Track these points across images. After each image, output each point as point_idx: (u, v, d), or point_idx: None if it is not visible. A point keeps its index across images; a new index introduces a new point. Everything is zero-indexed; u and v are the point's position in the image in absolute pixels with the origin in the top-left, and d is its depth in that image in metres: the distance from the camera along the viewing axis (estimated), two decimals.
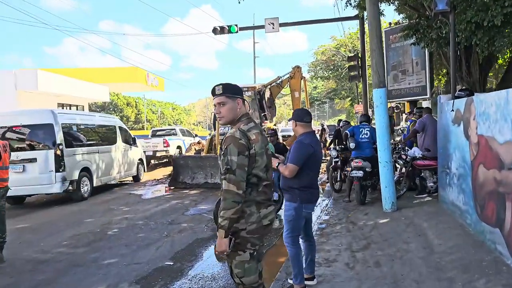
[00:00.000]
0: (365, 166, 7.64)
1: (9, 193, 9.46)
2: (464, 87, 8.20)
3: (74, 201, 9.90)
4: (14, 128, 8.90)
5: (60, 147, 9.43)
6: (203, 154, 13.59)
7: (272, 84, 15.79)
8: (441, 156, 6.85)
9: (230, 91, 2.68)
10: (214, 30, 16.50)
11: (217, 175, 11.89)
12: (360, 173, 7.54)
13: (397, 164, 8.29)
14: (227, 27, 16.41)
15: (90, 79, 21.94)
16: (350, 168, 7.88)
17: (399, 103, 17.38)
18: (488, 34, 7.28)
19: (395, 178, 7.47)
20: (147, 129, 57.33)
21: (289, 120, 4.19)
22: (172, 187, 11.70)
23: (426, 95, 11.40)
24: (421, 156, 7.57)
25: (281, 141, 11.44)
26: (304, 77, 16.56)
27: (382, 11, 12.94)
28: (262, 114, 14.34)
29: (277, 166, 3.84)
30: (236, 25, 16.43)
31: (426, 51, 10.67)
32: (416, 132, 8.17)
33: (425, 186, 7.77)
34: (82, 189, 10.12)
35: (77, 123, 10.68)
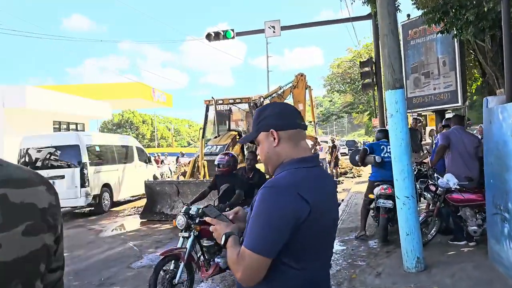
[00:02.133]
0: (394, 194, 5.61)
1: None
2: None
3: (96, 214, 10.90)
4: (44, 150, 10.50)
5: (85, 165, 10.54)
6: (185, 178, 11.50)
7: (273, 95, 13.69)
8: (491, 189, 4.52)
9: None
10: (208, 36, 15.10)
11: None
12: (389, 203, 5.85)
13: (423, 198, 6.00)
14: (222, 32, 15.12)
15: (92, 96, 20.70)
16: (373, 195, 6.16)
17: (420, 115, 14.80)
18: None
19: (420, 218, 5.18)
20: (162, 147, 55.88)
21: (242, 141, 1.91)
22: (144, 219, 9.66)
23: (457, 102, 8.82)
24: (457, 187, 5.24)
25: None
26: (310, 86, 14.38)
27: (398, 6, 11.01)
28: None
29: (224, 243, 1.47)
30: (233, 30, 15.03)
31: (456, 45, 8.33)
32: (445, 148, 5.88)
33: (465, 231, 5.41)
34: (103, 203, 11.25)
35: (99, 144, 11.76)
